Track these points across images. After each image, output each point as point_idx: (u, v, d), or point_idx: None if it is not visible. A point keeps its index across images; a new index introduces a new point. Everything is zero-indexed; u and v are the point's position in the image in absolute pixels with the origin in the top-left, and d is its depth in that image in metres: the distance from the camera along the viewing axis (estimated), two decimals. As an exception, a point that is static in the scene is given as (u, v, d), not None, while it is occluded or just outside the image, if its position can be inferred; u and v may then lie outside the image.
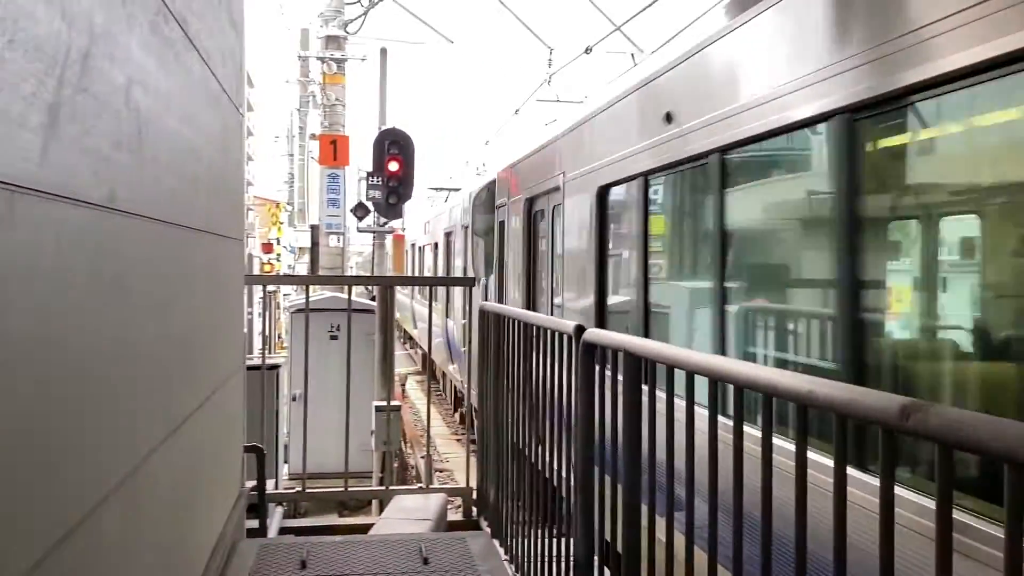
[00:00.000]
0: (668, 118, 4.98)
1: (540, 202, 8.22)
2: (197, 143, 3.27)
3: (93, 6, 1.91)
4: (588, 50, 15.36)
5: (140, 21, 2.34)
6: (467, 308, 6.69)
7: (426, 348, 6.85)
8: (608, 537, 2.98)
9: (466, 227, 12.67)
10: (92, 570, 1.93)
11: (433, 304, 18.47)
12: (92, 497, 1.91)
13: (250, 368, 5.97)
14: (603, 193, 6.21)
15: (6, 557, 1.43)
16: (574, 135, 7.05)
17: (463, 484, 5.87)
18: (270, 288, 29.12)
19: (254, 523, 5.08)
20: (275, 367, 8.31)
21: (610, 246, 6.25)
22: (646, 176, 5.38)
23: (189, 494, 3.26)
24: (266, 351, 7.67)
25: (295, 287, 19.23)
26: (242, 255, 4.83)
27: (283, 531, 5.47)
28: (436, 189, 29.48)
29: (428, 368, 6.58)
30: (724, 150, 4.27)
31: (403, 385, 20.26)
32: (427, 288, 18.08)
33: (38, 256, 1.58)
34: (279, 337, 25.44)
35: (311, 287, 14.07)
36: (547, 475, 3.74)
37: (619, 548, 2.78)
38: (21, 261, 1.50)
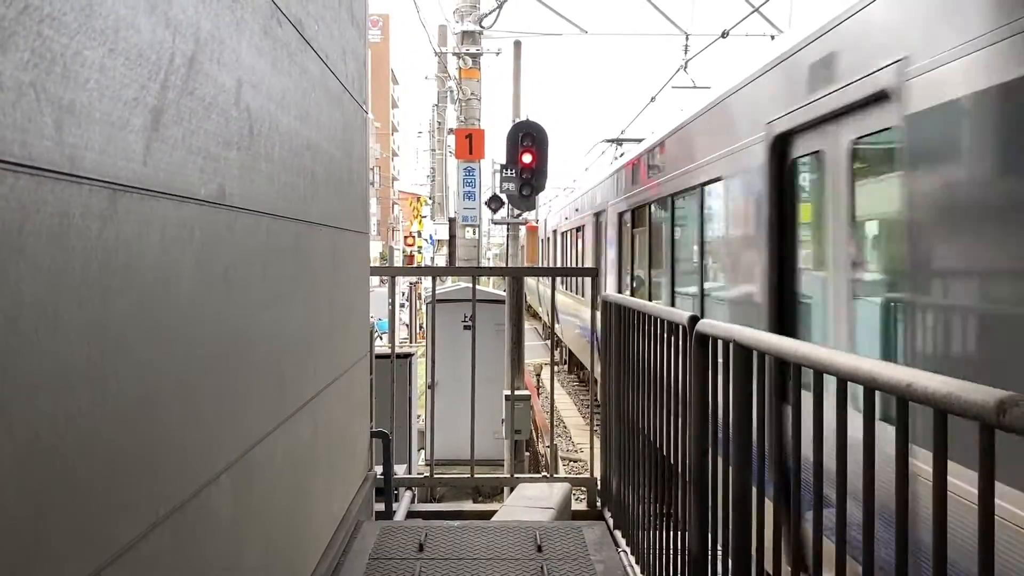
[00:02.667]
0: None
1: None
2: (315, 139, 3.40)
3: (199, 15, 2.02)
4: (725, 34, 14.98)
5: (251, 26, 2.46)
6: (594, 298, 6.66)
7: (554, 332, 6.66)
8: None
9: None
10: (202, 541, 2.06)
11: (570, 292, 18.49)
12: (199, 478, 2.03)
13: (381, 357, 6.17)
14: None
15: (106, 527, 1.55)
16: None
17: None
18: (412, 280, 30.04)
19: (382, 506, 5.27)
20: (407, 356, 8.54)
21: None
22: None
23: (310, 476, 3.40)
24: (407, 341, 7.87)
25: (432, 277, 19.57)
26: (366, 247, 4.99)
27: (410, 515, 5.62)
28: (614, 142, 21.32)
29: (552, 352, 6.58)
30: None
31: (538, 375, 20.41)
32: (564, 278, 17.96)
33: (142, 250, 1.69)
34: (420, 327, 26.19)
35: (452, 278, 14.42)
36: (664, 466, 3.70)
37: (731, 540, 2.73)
38: (124, 255, 1.61)
